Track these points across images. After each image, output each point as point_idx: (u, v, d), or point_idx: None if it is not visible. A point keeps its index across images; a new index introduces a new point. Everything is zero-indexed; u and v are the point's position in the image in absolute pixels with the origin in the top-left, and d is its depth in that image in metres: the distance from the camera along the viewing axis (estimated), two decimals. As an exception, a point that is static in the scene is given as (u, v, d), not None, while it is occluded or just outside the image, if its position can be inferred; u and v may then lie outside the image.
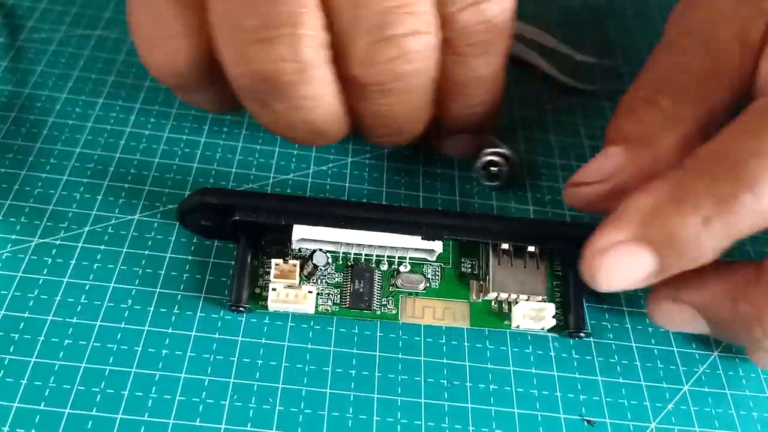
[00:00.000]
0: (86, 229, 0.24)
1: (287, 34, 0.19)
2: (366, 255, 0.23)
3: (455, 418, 0.21)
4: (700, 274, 0.19)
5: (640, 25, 0.36)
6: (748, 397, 0.22)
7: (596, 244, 0.19)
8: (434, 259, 0.23)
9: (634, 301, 0.24)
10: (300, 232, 0.21)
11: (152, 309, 0.22)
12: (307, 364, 0.21)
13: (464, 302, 0.23)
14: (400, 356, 0.22)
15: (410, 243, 0.21)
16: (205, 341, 0.21)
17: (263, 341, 0.22)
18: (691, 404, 0.22)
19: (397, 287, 0.22)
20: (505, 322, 0.22)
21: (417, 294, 0.23)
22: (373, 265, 0.22)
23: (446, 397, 0.21)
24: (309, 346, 0.22)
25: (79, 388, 0.20)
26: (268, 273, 0.22)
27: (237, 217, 0.21)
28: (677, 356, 0.23)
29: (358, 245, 0.22)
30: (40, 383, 0.20)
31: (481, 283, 0.23)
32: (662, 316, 0.21)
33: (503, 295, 0.22)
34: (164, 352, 0.21)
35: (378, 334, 0.22)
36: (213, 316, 0.22)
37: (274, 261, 0.22)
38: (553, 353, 0.23)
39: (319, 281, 0.22)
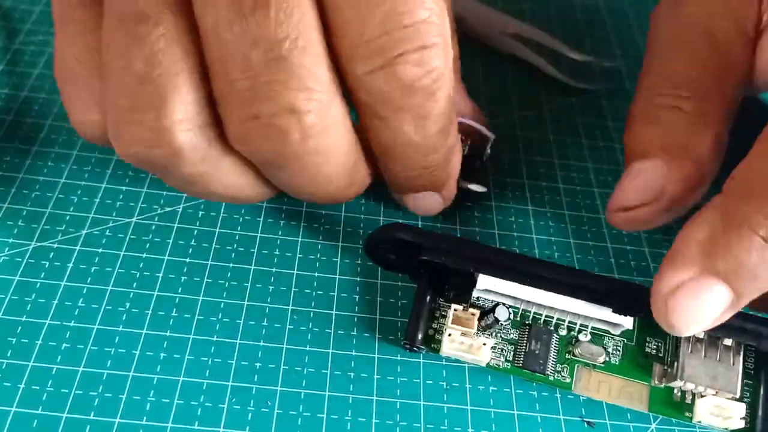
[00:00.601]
0: (84, 232, 0.23)
1: (152, 118, 0.17)
2: (546, 316, 0.22)
3: (455, 420, 0.21)
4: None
5: (640, 24, 0.36)
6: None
7: (664, 286, 0.18)
8: (618, 333, 0.22)
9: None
10: (485, 282, 0.21)
11: (150, 312, 0.22)
12: (306, 366, 0.21)
13: (644, 384, 0.21)
14: (399, 358, 0.22)
15: (598, 313, 0.21)
16: (203, 345, 0.21)
17: (261, 344, 0.22)
18: (691, 405, 0.22)
19: (574, 356, 0.21)
20: (687, 414, 0.21)
21: (594, 366, 0.21)
22: (552, 328, 0.22)
23: (445, 399, 0.21)
24: (307, 348, 0.22)
25: (76, 392, 0.20)
26: (445, 316, 0.21)
27: (425, 257, 0.21)
28: (677, 357, 0.23)
29: (541, 305, 0.21)
30: (37, 387, 0.20)
31: (666, 368, 0.21)
32: None
33: (689, 386, 0.20)
34: (162, 355, 0.21)
35: (377, 335, 0.22)
36: (211, 319, 0.22)
37: (453, 306, 0.21)
38: (552, 354, 0.22)
39: (494, 334, 0.22)
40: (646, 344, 0.22)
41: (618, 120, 0.31)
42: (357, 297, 0.23)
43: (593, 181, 0.28)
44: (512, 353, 0.21)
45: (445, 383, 0.21)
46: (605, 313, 0.21)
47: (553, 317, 0.22)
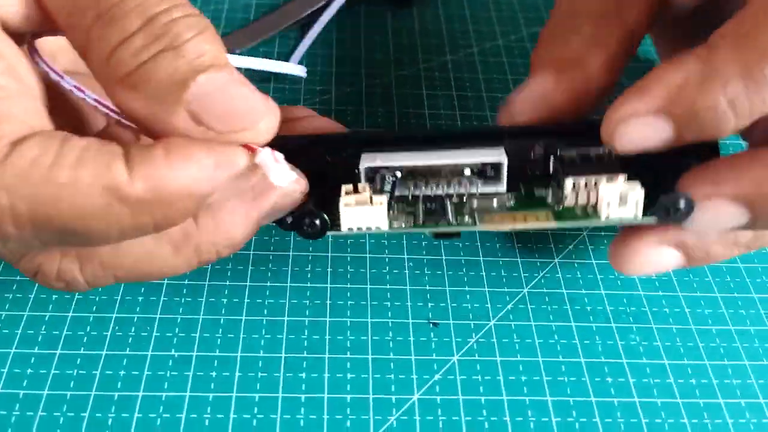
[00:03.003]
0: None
1: None
2: (434, 195, 0.21)
3: (313, 330, 0.23)
4: (734, 164, 0.20)
5: (518, -12, 0.39)
6: (582, 294, 0.25)
7: (621, 111, 0.19)
8: (505, 189, 0.21)
9: (485, 223, 0.27)
10: (367, 160, 0.20)
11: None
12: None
13: (545, 209, 0.21)
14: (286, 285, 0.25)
15: (473, 156, 0.20)
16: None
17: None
18: (529, 303, 0.24)
19: (471, 209, 0.21)
20: (594, 219, 0.20)
21: (492, 212, 0.21)
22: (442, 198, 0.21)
23: (307, 314, 0.24)
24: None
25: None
26: (338, 202, 0.20)
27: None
28: (520, 265, 0.26)
29: (424, 176, 0.21)
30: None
31: (559, 195, 0.20)
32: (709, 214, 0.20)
33: (582, 196, 0.20)
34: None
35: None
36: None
37: (343, 186, 0.20)
38: (407, 271, 0.25)
39: (392, 210, 0.21)
40: (535, 191, 0.21)
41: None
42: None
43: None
44: (412, 218, 0.21)
45: (308, 302, 0.24)
46: (479, 153, 0.20)
47: (441, 193, 0.21)
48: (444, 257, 0.26)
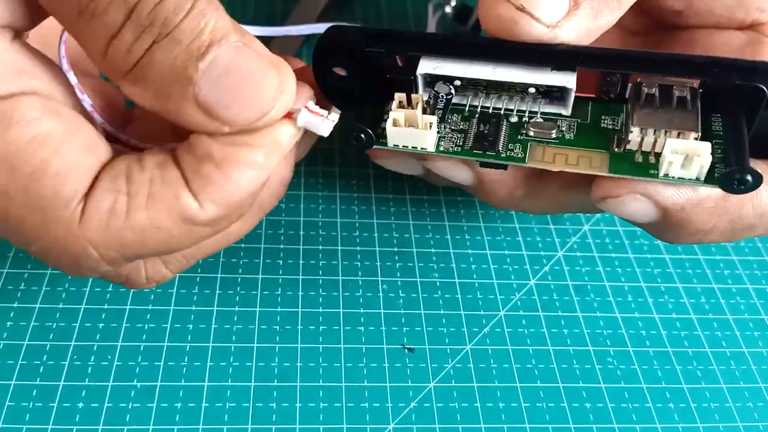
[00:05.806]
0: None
1: None
2: (494, 108, 0.20)
3: (284, 358, 0.22)
4: None
5: None
6: (559, 316, 0.25)
7: None
8: (569, 113, 0.20)
9: (460, 243, 0.26)
10: (426, 66, 0.20)
11: None
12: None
13: (602, 152, 0.19)
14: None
15: (541, 78, 0.19)
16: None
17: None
18: (505, 327, 0.24)
19: (527, 136, 0.20)
20: (652, 171, 0.19)
21: (548, 143, 0.20)
22: (501, 115, 0.20)
23: (278, 340, 0.23)
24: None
25: None
26: (387, 116, 0.19)
27: (369, 48, 0.20)
28: (496, 287, 0.25)
29: (485, 87, 0.20)
30: None
31: (623, 136, 0.19)
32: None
33: (648, 142, 0.19)
34: None
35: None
36: (57, 287, 0.23)
37: (397, 94, 0.20)
38: (381, 294, 0.24)
39: (442, 127, 0.20)
40: (602, 121, 0.20)
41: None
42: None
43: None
44: (462, 140, 0.20)
45: (278, 321, 0.23)
46: (548, 75, 0.19)
47: (500, 108, 0.20)
48: (419, 279, 0.25)
